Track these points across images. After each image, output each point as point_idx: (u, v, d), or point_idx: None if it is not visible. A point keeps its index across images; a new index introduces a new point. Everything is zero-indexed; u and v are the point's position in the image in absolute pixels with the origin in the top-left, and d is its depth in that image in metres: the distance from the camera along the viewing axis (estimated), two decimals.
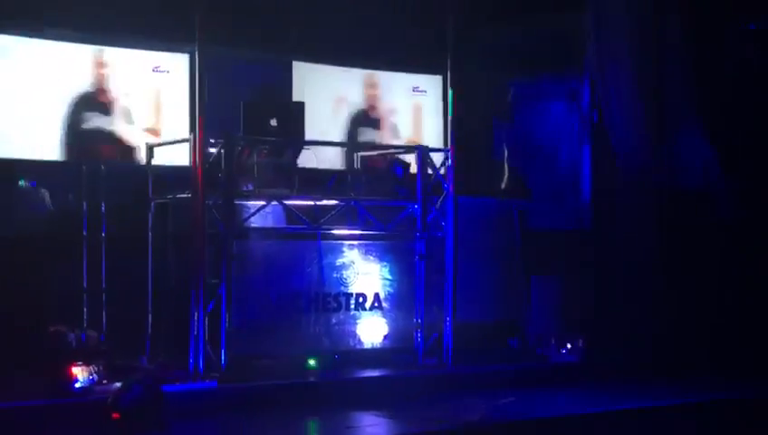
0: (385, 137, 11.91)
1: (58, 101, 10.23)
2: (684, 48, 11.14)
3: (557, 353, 10.45)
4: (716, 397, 9.32)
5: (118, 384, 7.90)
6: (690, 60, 11.15)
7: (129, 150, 10.51)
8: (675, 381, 9.92)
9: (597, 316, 10.68)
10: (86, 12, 10.01)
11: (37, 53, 10.12)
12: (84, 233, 9.50)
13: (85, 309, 9.41)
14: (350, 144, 11.25)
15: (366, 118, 11.99)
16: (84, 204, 9.54)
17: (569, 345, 10.45)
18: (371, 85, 12.02)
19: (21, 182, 9.77)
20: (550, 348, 10.52)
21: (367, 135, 11.91)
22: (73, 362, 8.26)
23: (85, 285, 9.44)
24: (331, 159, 10.60)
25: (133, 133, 10.51)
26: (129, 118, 10.50)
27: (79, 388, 8.14)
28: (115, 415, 7.54)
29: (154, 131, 10.52)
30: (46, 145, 10.13)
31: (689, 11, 11.09)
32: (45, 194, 9.85)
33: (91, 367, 8.29)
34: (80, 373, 8.19)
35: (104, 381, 8.35)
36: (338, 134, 11.64)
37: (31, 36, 10.09)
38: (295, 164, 9.59)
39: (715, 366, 10.28)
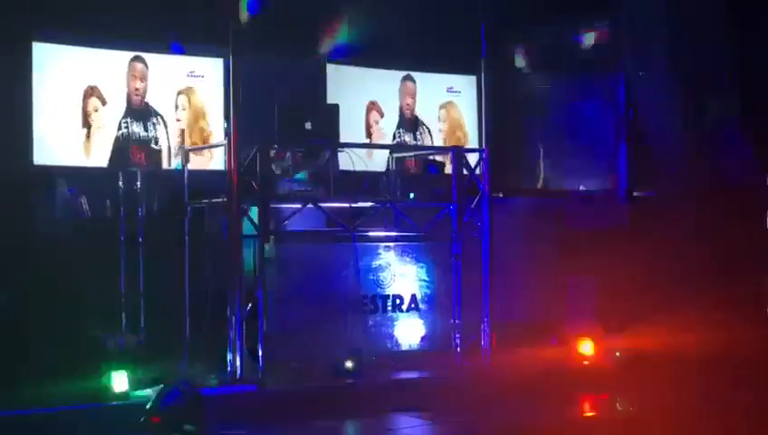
0: (419, 138, 11.87)
1: (96, 107, 10.28)
2: (723, 47, 11.05)
3: (597, 354, 10.37)
4: None
5: (157, 388, 7.93)
6: (730, 59, 11.06)
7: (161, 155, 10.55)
8: None
9: (634, 318, 10.59)
10: (121, 19, 10.07)
11: (74, 61, 10.18)
12: (122, 238, 9.55)
13: (123, 314, 9.45)
14: (386, 146, 11.22)
15: (400, 119, 11.97)
16: (121, 210, 9.58)
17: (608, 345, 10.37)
18: (406, 86, 12.00)
19: (60, 189, 9.84)
20: (589, 349, 10.45)
21: (402, 136, 11.89)
22: (113, 366, 8.30)
23: (123, 289, 9.48)
24: (366, 160, 10.58)
25: (168, 138, 10.54)
26: (164, 124, 10.53)
27: (118, 393, 8.18)
28: (155, 419, 7.57)
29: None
30: (84, 152, 10.18)
31: (729, 9, 11.00)
32: (83, 200, 9.92)
33: (130, 372, 8.34)
34: (119, 378, 8.23)
35: (143, 386, 8.38)
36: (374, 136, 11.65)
37: (68, 44, 10.15)
38: (336, 166, 9.59)
39: None
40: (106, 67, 10.33)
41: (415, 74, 12.04)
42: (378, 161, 10.73)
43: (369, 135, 11.67)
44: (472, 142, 11.11)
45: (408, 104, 11.96)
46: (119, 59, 10.40)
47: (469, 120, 12.00)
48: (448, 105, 12.16)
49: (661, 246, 10.63)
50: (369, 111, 11.74)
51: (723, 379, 9.09)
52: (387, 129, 11.82)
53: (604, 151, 11.81)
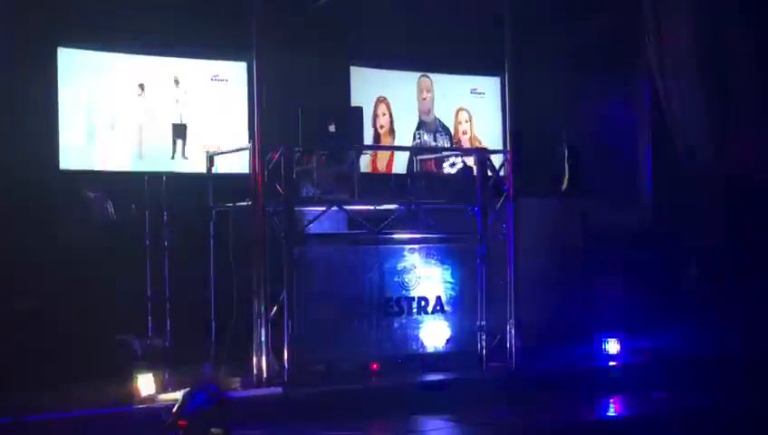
0: (438, 139, 11.87)
1: (122, 112, 10.33)
2: (748, 42, 10.98)
3: (623, 354, 10.34)
4: None
5: (183, 391, 7.95)
6: (755, 54, 10.99)
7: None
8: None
9: (662, 317, 10.55)
10: (146, 23, 10.12)
11: (99, 66, 10.23)
12: (147, 242, 9.58)
13: (149, 317, 9.48)
14: (409, 148, 11.23)
15: (424, 121, 11.97)
16: (147, 213, 9.61)
17: (634, 345, 10.33)
18: (429, 88, 12.00)
19: (86, 193, 9.89)
20: (616, 349, 10.41)
21: (421, 138, 11.89)
22: (139, 369, 8.34)
23: (149, 293, 9.52)
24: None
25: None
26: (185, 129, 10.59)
27: (145, 395, 8.22)
28: (181, 422, 7.59)
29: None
30: (112, 156, 10.24)
31: (753, 4, 10.93)
32: (109, 204, 9.97)
33: (156, 374, 8.38)
34: (145, 381, 8.27)
35: (170, 389, 8.41)
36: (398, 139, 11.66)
37: (93, 49, 10.21)
38: (357, 169, 9.60)
39: None
40: (130, 71, 10.37)
41: (439, 76, 12.03)
42: (402, 163, 10.75)
43: (375, 127, 11.67)
44: (496, 144, 11.09)
45: (424, 99, 11.94)
46: (143, 63, 10.44)
47: (493, 122, 11.99)
48: (472, 107, 12.16)
49: (686, 246, 10.60)
50: (377, 103, 11.74)
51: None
52: (407, 130, 11.80)
53: (629, 151, 11.77)
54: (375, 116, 11.69)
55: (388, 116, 11.72)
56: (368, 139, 10.65)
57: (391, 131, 11.72)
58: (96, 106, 10.20)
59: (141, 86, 10.43)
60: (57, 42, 10.06)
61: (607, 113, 11.95)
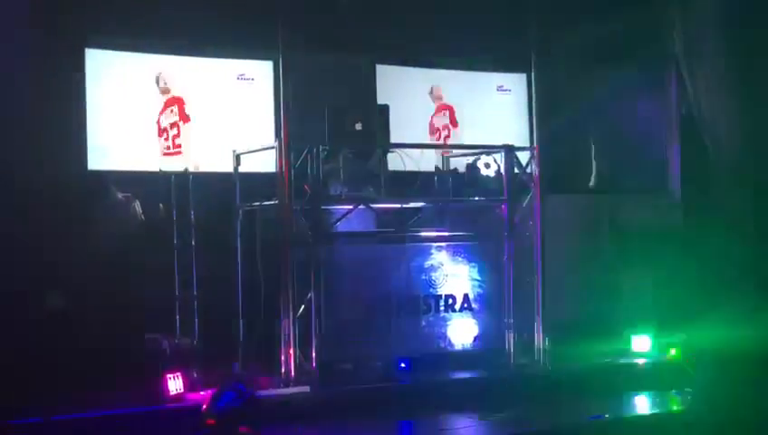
0: (469, 137, 11.83)
1: (148, 112, 10.36)
2: None
3: (652, 351, 10.29)
4: None
5: (212, 390, 7.98)
6: None
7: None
8: None
9: (692, 314, 10.48)
10: (173, 24, 10.15)
11: (127, 66, 10.27)
12: (175, 242, 9.61)
13: (178, 317, 9.51)
14: (436, 145, 11.20)
15: (451, 118, 11.95)
16: (174, 213, 9.64)
17: (663, 344, 10.28)
18: (455, 86, 11.98)
19: (114, 193, 9.94)
20: (645, 346, 10.36)
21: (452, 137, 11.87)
22: (168, 369, 8.38)
23: (177, 292, 9.55)
24: (418, 160, 10.58)
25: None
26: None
27: (174, 394, 8.25)
28: (210, 421, 7.63)
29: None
30: (139, 156, 10.27)
31: None
32: (137, 204, 10.01)
33: (185, 374, 8.40)
34: (174, 380, 8.30)
35: (198, 388, 8.44)
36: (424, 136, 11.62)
37: (121, 50, 10.24)
38: (387, 167, 9.59)
39: None
40: (156, 71, 10.41)
41: (465, 73, 12.00)
42: (429, 161, 10.72)
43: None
44: (523, 141, 11.05)
45: (456, 103, 11.94)
46: (169, 63, 10.47)
47: (520, 119, 11.95)
48: (498, 104, 12.12)
49: (715, 244, 10.52)
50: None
51: None
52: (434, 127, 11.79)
53: (657, 149, 11.70)
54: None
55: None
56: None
57: None
58: (124, 106, 10.23)
59: (166, 85, 10.43)
60: (85, 43, 10.10)
61: (635, 109, 11.88)
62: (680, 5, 10.83)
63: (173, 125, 10.42)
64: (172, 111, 10.40)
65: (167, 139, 10.38)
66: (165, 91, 10.37)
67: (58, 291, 9.09)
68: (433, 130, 11.79)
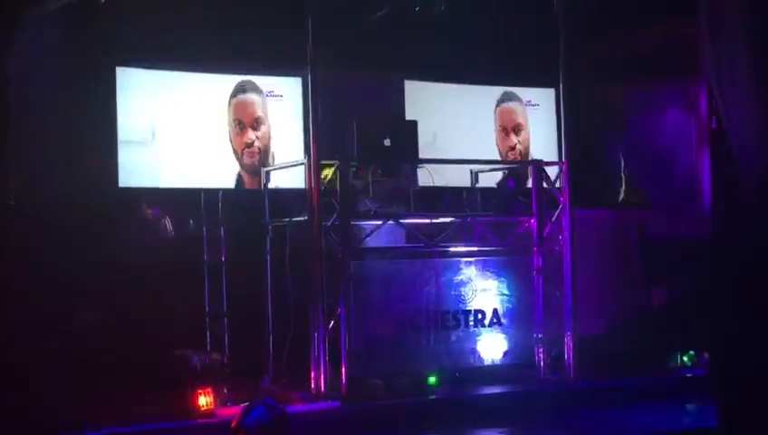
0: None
1: (179, 129, 10.43)
2: None
3: (683, 366, 10.24)
4: None
5: (242, 405, 8.01)
6: None
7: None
8: None
9: (722, 329, 10.40)
10: (202, 41, 10.22)
11: (157, 84, 10.35)
12: (205, 258, 9.66)
13: (208, 332, 9.55)
14: (465, 161, 11.20)
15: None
16: (204, 229, 9.69)
17: (694, 358, 10.23)
18: (483, 101, 11.99)
19: (145, 210, 10.00)
20: (675, 361, 10.31)
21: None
22: (198, 384, 8.41)
23: (207, 308, 9.59)
24: (446, 176, 10.60)
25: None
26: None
27: (204, 410, 8.28)
28: None
29: None
30: (169, 173, 10.34)
31: None
32: (167, 221, 10.06)
33: (215, 389, 8.44)
34: (204, 396, 8.33)
35: (228, 403, 8.47)
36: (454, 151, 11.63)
37: (151, 68, 10.33)
38: (414, 183, 9.62)
39: None
40: (187, 90, 10.48)
41: (493, 89, 12.02)
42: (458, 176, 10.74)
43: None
44: (551, 155, 11.05)
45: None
46: (199, 81, 10.55)
47: (548, 133, 11.95)
48: (527, 119, 12.11)
49: (746, 258, 10.43)
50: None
51: None
52: (457, 142, 11.80)
53: (686, 162, 11.66)
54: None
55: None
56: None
57: None
58: (154, 123, 10.31)
59: (200, 104, 10.51)
60: (116, 61, 10.20)
61: (664, 123, 11.85)
62: (708, 18, 10.79)
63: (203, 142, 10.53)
64: None
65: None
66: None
67: (88, 306, 9.14)
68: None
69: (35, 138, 9.41)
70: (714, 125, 11.12)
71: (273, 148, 10.70)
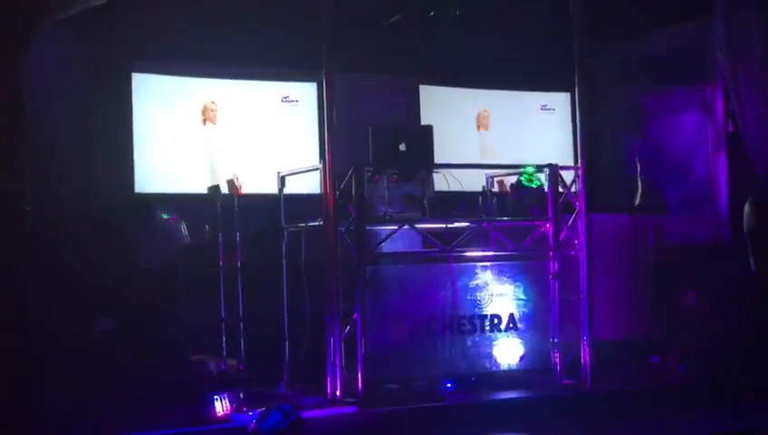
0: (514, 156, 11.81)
1: (194, 134, 10.46)
2: None
3: (697, 370, 10.20)
4: None
5: (258, 411, 8.01)
6: None
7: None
8: None
9: (741, 334, 10.36)
10: (217, 47, 10.25)
11: (173, 90, 10.37)
12: (221, 263, 9.67)
13: (224, 338, 9.56)
14: (480, 165, 11.19)
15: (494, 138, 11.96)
16: (219, 234, 9.71)
17: (711, 363, 10.19)
18: (499, 106, 11.98)
19: (160, 216, 10.02)
20: (690, 365, 10.28)
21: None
22: (214, 390, 8.41)
23: (223, 314, 9.61)
24: (462, 180, 10.59)
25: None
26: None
27: (220, 415, 8.28)
28: None
29: None
30: (185, 179, 10.35)
31: None
32: (183, 226, 10.08)
33: (231, 395, 8.44)
34: (220, 401, 8.34)
35: (244, 409, 8.47)
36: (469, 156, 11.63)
37: (167, 74, 10.36)
38: (431, 187, 9.61)
39: None
40: (201, 95, 10.51)
41: (508, 93, 12.00)
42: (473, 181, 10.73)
43: None
44: (567, 159, 11.03)
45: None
46: (215, 87, 10.57)
47: (564, 138, 11.93)
48: (542, 123, 12.10)
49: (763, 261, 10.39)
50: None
51: None
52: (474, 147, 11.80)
53: (703, 165, 11.61)
54: None
55: None
56: None
57: None
58: (169, 129, 10.34)
59: (212, 109, 10.53)
60: (131, 68, 10.23)
61: (680, 125, 11.81)
62: (724, 20, 10.76)
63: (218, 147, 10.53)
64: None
65: None
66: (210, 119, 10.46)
67: (104, 313, 9.16)
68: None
69: (52, 143, 9.44)
70: (730, 128, 11.10)
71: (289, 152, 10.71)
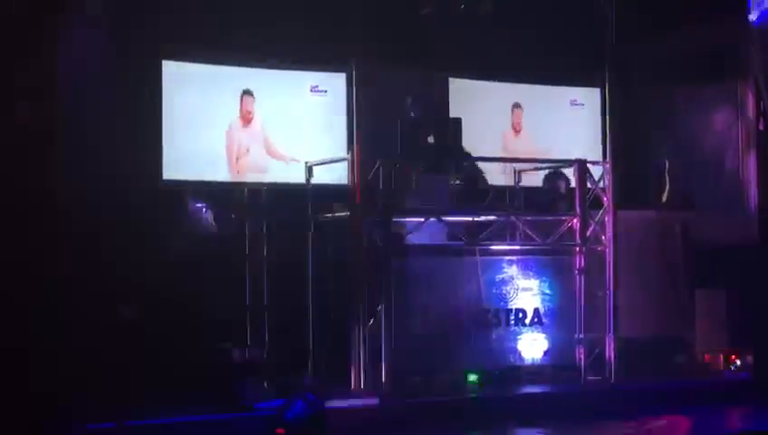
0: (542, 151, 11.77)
1: (223, 123, 10.46)
2: None
3: (726, 370, 10.15)
4: None
5: (282, 400, 8.03)
6: None
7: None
8: None
9: (765, 333, 10.31)
10: (248, 35, 10.24)
11: (203, 78, 10.37)
12: (247, 252, 9.69)
13: (249, 327, 9.58)
14: (508, 159, 11.16)
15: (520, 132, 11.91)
16: (246, 224, 9.72)
17: (738, 361, 10.14)
18: (528, 100, 11.93)
19: (189, 204, 10.04)
20: (718, 364, 10.23)
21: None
22: (239, 378, 8.44)
23: (248, 303, 9.62)
24: (490, 174, 10.59)
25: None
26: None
27: (244, 404, 8.31)
28: (279, 430, 7.67)
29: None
30: (213, 167, 10.36)
31: None
32: (210, 215, 10.10)
33: (255, 383, 8.46)
34: (245, 390, 8.36)
35: (269, 398, 8.49)
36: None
37: (197, 62, 10.35)
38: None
39: None
40: (229, 84, 10.51)
41: (538, 87, 11.94)
42: (501, 175, 10.71)
43: None
44: (596, 155, 10.97)
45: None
46: (245, 75, 10.56)
47: (593, 133, 11.87)
48: (572, 118, 12.04)
49: None
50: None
51: None
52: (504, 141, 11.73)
53: (733, 164, 11.54)
54: None
55: None
56: None
57: None
58: (199, 117, 10.33)
59: (243, 96, 10.52)
60: (162, 55, 10.24)
61: (710, 122, 11.74)
62: (757, 18, 10.69)
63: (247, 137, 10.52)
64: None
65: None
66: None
67: (131, 300, 9.19)
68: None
69: (83, 128, 9.47)
70: (761, 126, 11.03)
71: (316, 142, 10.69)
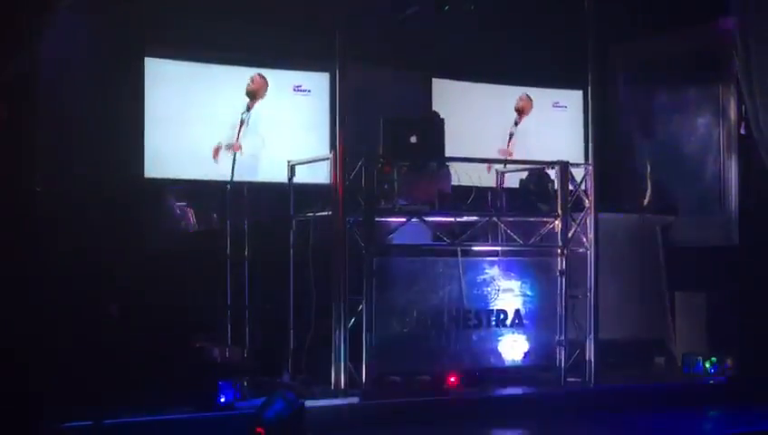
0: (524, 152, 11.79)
1: (206, 122, 10.44)
2: None
3: (704, 373, 10.18)
4: None
5: (261, 399, 8.01)
6: None
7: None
8: None
9: (746, 335, 10.35)
10: (231, 34, 10.23)
11: (185, 76, 10.35)
12: (228, 251, 9.66)
13: (229, 326, 9.56)
14: (490, 160, 11.17)
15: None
16: (228, 222, 9.70)
17: (717, 364, 10.18)
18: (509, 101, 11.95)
19: (169, 202, 10.01)
20: (696, 367, 10.26)
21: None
22: (219, 377, 8.42)
23: (229, 301, 9.60)
24: (471, 175, 10.56)
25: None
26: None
27: (224, 403, 8.29)
28: (258, 429, 7.65)
29: None
30: (195, 165, 10.33)
31: None
32: (191, 213, 10.07)
33: (235, 382, 8.44)
34: (224, 389, 8.34)
35: (248, 397, 8.47)
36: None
37: (180, 60, 10.33)
38: (446, 182, 9.60)
39: None
40: (215, 82, 10.48)
41: (520, 89, 11.96)
42: (482, 176, 10.70)
43: None
44: (578, 157, 11.00)
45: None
46: (227, 73, 10.54)
47: (575, 135, 11.89)
48: (553, 120, 12.07)
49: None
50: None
51: None
52: (487, 142, 11.73)
53: (714, 167, 11.58)
54: None
55: None
56: None
57: None
58: (181, 115, 10.31)
59: (225, 96, 10.51)
60: (144, 53, 10.21)
61: (692, 126, 11.78)
62: (739, 22, 10.72)
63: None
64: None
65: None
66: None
67: (111, 296, 9.16)
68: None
69: (64, 125, 9.43)
70: (743, 131, 11.07)
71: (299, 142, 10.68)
